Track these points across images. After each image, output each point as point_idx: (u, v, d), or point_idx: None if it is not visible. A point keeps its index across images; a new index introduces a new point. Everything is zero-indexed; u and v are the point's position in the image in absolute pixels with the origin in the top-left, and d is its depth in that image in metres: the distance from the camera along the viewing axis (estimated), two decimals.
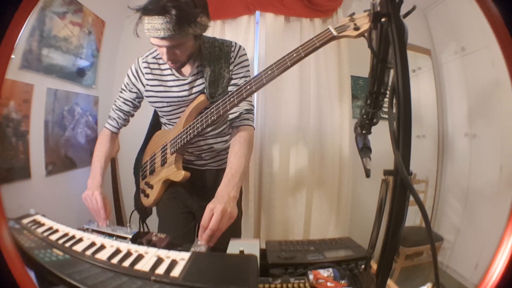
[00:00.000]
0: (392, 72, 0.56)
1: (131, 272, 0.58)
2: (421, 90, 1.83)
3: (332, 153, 1.85)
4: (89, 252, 0.65)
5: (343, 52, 1.83)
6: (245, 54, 1.07)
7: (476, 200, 1.55)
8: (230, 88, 1.01)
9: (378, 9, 0.56)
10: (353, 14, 0.79)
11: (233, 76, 1.04)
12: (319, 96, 1.86)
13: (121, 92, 1.13)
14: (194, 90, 1.04)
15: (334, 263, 0.72)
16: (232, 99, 0.90)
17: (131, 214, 1.23)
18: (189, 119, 1.02)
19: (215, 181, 1.15)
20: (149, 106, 1.13)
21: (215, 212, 0.80)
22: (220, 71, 1.02)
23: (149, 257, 0.64)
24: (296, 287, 0.61)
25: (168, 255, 0.65)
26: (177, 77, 1.04)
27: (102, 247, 0.68)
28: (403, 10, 0.56)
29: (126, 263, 0.61)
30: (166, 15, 0.82)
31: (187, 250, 0.72)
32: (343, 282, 0.65)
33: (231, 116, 1.03)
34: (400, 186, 0.51)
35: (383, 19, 0.55)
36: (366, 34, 0.71)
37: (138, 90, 1.09)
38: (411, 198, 0.51)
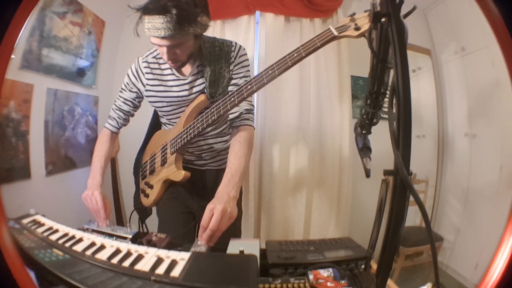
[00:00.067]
0: (392, 72, 0.56)
1: (131, 272, 0.58)
2: (421, 90, 1.83)
3: (332, 153, 1.85)
4: (89, 252, 0.65)
5: (343, 52, 1.83)
6: (245, 54, 1.07)
7: (476, 200, 1.55)
8: (230, 88, 1.01)
9: (378, 9, 0.56)
10: (354, 14, 0.79)
11: (233, 76, 1.04)
12: (319, 96, 1.86)
13: (121, 91, 1.13)
14: (194, 89, 1.04)
15: (334, 263, 0.71)
16: (232, 99, 0.90)
17: (131, 214, 1.23)
18: (189, 119, 1.02)
19: (215, 181, 1.15)
20: (149, 106, 1.13)
21: (215, 212, 0.80)
22: (220, 71, 1.02)
23: (149, 257, 0.64)
24: (296, 287, 0.61)
25: (168, 255, 0.65)
26: (177, 76, 1.04)
27: (102, 247, 0.68)
28: (403, 10, 0.56)
29: (126, 263, 0.61)
30: (167, 15, 0.83)
31: (187, 250, 0.72)
32: (343, 282, 0.65)
33: (231, 116, 1.03)
34: (400, 186, 0.51)
35: (383, 19, 0.55)
36: (366, 34, 0.71)
37: (138, 89, 1.09)
38: (411, 198, 0.51)
